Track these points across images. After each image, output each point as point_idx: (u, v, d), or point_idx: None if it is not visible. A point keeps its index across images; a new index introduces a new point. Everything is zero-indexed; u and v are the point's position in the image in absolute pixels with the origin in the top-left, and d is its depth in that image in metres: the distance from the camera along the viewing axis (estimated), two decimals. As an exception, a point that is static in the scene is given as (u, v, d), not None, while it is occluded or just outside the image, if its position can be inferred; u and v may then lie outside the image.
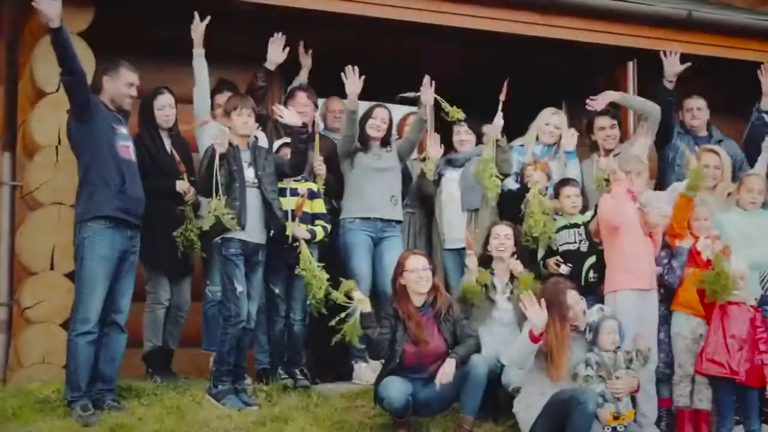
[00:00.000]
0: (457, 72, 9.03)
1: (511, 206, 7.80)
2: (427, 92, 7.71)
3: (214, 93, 7.59)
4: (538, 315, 6.31)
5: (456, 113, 7.82)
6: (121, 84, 6.75)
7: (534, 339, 6.30)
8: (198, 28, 7.24)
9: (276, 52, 7.67)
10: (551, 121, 8.20)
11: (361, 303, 6.44)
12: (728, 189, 7.73)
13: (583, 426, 6.06)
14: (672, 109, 8.23)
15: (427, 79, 7.71)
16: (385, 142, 7.87)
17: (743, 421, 6.68)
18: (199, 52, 7.29)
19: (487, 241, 7.29)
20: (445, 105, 7.77)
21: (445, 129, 8.24)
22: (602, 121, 8.17)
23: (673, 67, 8.15)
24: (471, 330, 6.65)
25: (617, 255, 6.94)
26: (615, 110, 8.19)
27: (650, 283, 6.93)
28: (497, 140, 7.67)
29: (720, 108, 8.51)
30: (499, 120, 7.75)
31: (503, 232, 7.20)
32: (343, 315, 6.49)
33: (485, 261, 7.26)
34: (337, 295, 6.59)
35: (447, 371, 6.31)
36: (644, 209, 7.02)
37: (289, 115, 7.16)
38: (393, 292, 6.76)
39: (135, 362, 7.29)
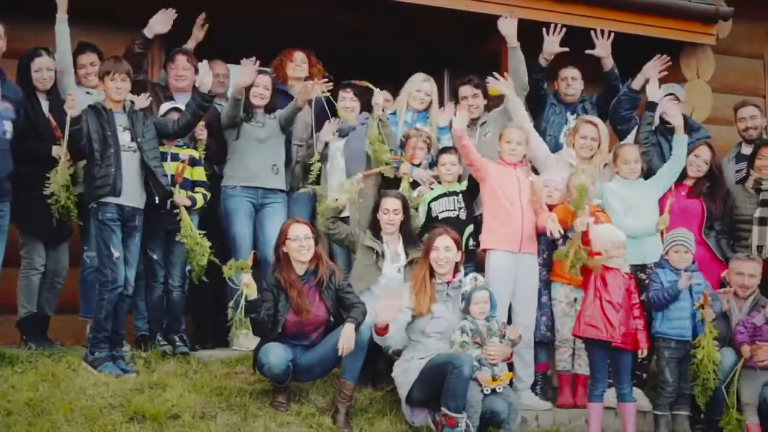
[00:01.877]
0: (343, 39, 9.02)
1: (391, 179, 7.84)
2: (310, 90, 7.74)
3: (75, 55, 7.40)
4: (385, 308, 6.43)
5: (345, 115, 7.91)
6: None
7: (378, 331, 6.46)
8: None
9: (161, 23, 7.55)
10: (422, 87, 8.18)
11: (248, 288, 6.40)
12: (605, 161, 7.89)
13: (459, 389, 6.15)
14: (542, 82, 8.32)
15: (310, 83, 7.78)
16: (270, 109, 7.83)
17: (615, 385, 6.86)
18: (61, 18, 7.10)
19: (375, 211, 7.32)
20: (338, 107, 7.91)
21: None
22: (465, 90, 8.20)
23: (551, 46, 8.20)
24: (355, 297, 6.70)
25: (490, 215, 7.19)
26: (479, 80, 8.23)
27: (520, 246, 7.10)
28: (379, 116, 7.69)
29: (593, 79, 8.63)
30: (378, 97, 7.75)
31: (392, 207, 7.22)
32: (231, 304, 6.47)
33: (375, 230, 7.29)
34: (227, 271, 6.53)
35: (349, 336, 6.33)
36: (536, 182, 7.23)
37: (205, 78, 7.07)
38: (275, 260, 6.75)
39: (9, 329, 7.15)
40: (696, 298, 6.94)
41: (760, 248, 7.63)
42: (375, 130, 7.62)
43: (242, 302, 6.38)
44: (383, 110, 7.82)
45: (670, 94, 8.34)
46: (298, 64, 8.32)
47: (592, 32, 8.36)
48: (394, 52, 8.90)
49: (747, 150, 8.30)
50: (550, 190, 7.42)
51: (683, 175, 7.86)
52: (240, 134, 7.67)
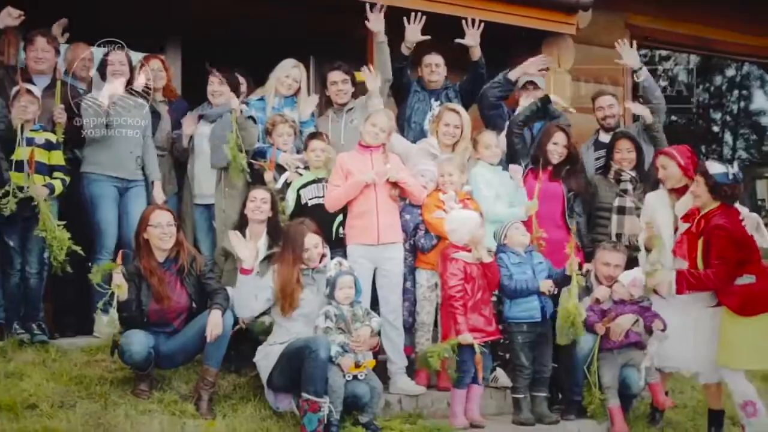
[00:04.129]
0: (213, 23, 8.91)
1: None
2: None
3: None
4: (244, 251, 6.53)
5: None
6: None
7: (243, 271, 6.51)
8: None
9: (8, 19, 7.32)
10: (291, 73, 8.20)
11: (120, 289, 6.30)
12: (469, 149, 7.96)
13: (317, 373, 6.18)
14: (406, 69, 8.38)
15: None
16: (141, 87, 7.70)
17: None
18: None
19: (244, 204, 7.30)
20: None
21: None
22: (334, 76, 8.25)
23: (413, 35, 8.25)
24: (217, 283, 6.69)
25: (348, 211, 7.21)
26: (348, 66, 8.27)
27: (379, 238, 7.12)
28: (236, 118, 7.61)
29: (457, 65, 8.70)
30: (234, 103, 7.69)
31: (260, 196, 7.21)
32: (100, 305, 6.39)
33: (243, 223, 7.25)
34: (94, 276, 6.40)
35: (216, 322, 6.33)
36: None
37: None
38: (135, 247, 6.67)
39: None
40: (539, 277, 7.09)
41: (618, 236, 7.80)
42: (234, 137, 7.51)
43: (114, 304, 6.28)
44: (240, 110, 7.70)
45: (531, 82, 8.52)
46: (156, 72, 8.14)
47: (463, 22, 8.42)
48: (259, 37, 8.81)
49: (605, 138, 8.53)
50: (425, 180, 7.47)
51: (545, 161, 7.95)
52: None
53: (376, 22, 8.00)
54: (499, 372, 7.41)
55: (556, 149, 7.93)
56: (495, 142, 7.81)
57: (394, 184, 7.21)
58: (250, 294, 6.56)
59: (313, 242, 6.67)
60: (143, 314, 6.44)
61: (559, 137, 7.94)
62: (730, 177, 6.69)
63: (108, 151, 7.51)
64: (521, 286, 7.02)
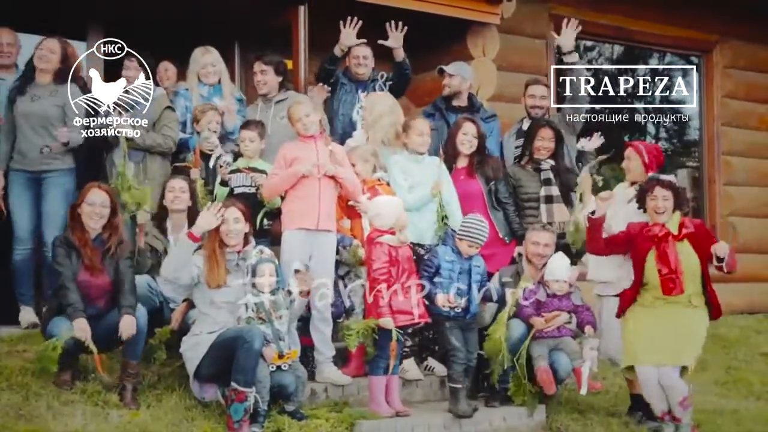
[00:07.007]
0: (137, 9, 8.82)
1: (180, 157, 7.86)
2: None
3: None
4: (206, 218, 6.50)
5: None
6: None
7: (192, 237, 6.48)
8: None
9: None
10: (204, 61, 8.16)
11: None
12: (388, 133, 7.97)
13: (249, 364, 6.14)
14: (336, 64, 8.39)
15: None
16: (58, 78, 7.53)
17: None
18: None
19: (162, 195, 7.26)
20: None
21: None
22: (255, 66, 8.20)
23: (348, 39, 8.26)
24: (131, 274, 6.57)
25: (287, 196, 7.12)
26: (271, 55, 8.21)
27: (318, 223, 7.04)
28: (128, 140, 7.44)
29: (386, 56, 8.70)
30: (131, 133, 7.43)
31: (178, 185, 7.19)
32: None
33: (161, 218, 7.21)
34: None
35: (129, 325, 6.27)
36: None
37: None
38: (70, 218, 6.57)
39: None
40: (474, 279, 7.03)
41: (550, 225, 7.78)
42: (122, 162, 7.34)
43: None
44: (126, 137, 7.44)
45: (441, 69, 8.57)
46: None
47: (387, 24, 8.41)
48: (183, 22, 8.74)
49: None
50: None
51: (456, 156, 7.96)
52: (15, 110, 7.38)
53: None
54: (408, 362, 7.32)
55: (466, 138, 7.93)
56: (427, 130, 7.78)
57: (332, 178, 7.14)
58: (180, 260, 6.51)
59: (233, 215, 6.62)
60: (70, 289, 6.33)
61: (468, 127, 7.95)
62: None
63: (7, 142, 7.39)
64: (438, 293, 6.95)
